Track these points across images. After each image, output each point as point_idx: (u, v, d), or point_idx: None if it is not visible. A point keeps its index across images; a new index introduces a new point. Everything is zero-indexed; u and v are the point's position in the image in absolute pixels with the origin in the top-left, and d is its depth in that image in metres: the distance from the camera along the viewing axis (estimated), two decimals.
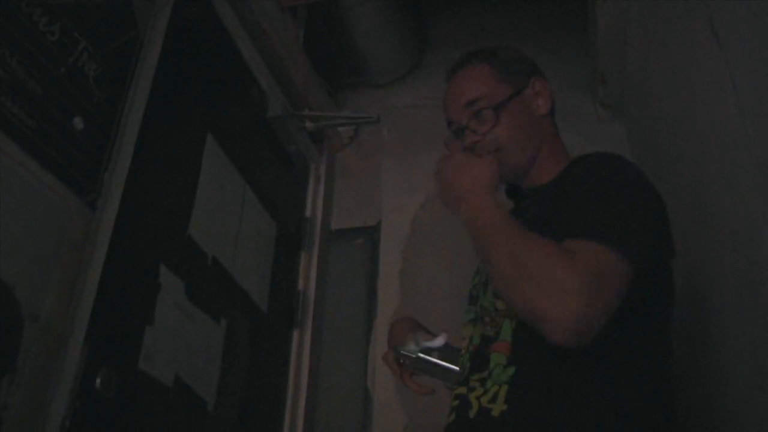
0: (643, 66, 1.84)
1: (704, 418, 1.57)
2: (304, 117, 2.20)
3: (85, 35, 1.29)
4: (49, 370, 1.10)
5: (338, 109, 2.49)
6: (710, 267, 1.39)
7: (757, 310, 1.11)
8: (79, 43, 1.27)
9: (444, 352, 1.26)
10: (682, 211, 1.58)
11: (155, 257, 1.39)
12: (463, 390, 1.09)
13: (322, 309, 2.18)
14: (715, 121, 1.26)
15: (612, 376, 0.99)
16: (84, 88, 1.27)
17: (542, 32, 2.52)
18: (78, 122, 1.24)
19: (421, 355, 1.27)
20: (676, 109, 1.56)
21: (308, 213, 2.25)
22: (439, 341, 1.27)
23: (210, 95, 1.73)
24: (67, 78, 1.23)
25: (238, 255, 1.74)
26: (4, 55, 1.09)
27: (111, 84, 1.35)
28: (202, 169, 1.61)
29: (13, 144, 1.08)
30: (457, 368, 1.19)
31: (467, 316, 1.22)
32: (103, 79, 1.33)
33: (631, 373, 1.00)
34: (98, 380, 1.16)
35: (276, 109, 2.04)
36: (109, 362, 1.19)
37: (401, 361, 1.31)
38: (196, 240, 1.54)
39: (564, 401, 0.97)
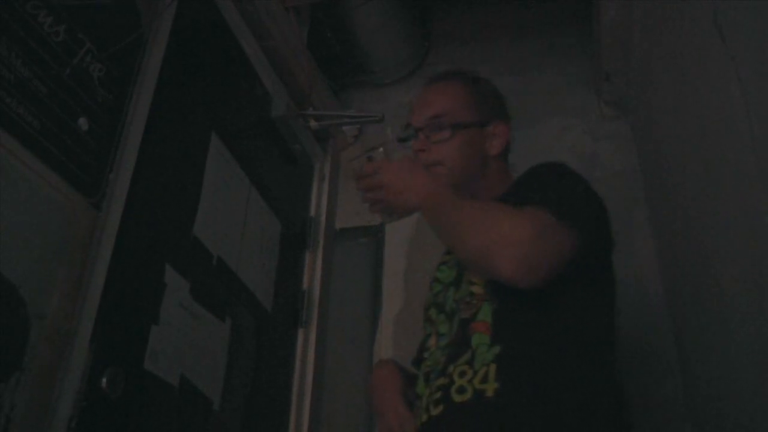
0: (648, 62, 1.84)
1: (713, 413, 1.57)
2: (308, 116, 2.20)
3: (89, 36, 1.29)
4: (55, 370, 1.11)
5: (342, 109, 2.49)
6: (715, 263, 1.39)
7: (762, 307, 1.11)
8: (84, 44, 1.27)
9: None
10: (687, 207, 1.58)
11: (160, 257, 1.40)
12: (443, 381, 1.10)
13: (326, 308, 2.18)
14: (719, 117, 1.26)
15: (577, 347, 1.10)
16: (89, 88, 1.27)
17: (546, 29, 2.52)
18: (83, 123, 1.24)
19: None
20: (680, 106, 1.55)
21: (313, 212, 2.26)
22: None
23: (214, 95, 1.73)
24: (72, 78, 1.23)
25: (243, 254, 1.74)
26: (9, 56, 1.09)
27: (115, 84, 1.35)
28: (207, 168, 1.61)
29: (18, 144, 1.08)
30: None
31: (434, 328, 1.27)
32: (107, 79, 1.33)
33: (587, 346, 1.11)
34: (104, 380, 1.16)
35: (280, 108, 2.04)
36: (115, 362, 1.20)
37: None
38: (201, 240, 1.54)
39: (549, 372, 1.06)
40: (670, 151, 1.72)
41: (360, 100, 2.61)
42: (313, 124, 2.21)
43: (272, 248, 1.94)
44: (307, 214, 2.23)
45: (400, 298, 2.15)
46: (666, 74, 1.67)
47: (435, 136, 1.30)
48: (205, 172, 1.60)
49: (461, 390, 1.06)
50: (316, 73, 2.28)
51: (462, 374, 1.08)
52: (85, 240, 1.22)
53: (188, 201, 1.54)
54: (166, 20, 1.53)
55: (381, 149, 1.28)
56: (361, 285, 2.23)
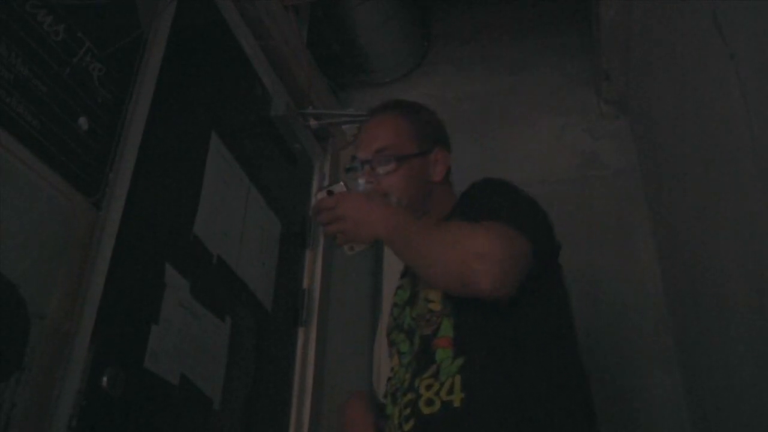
0: (647, 61, 1.84)
1: (713, 410, 1.57)
2: (308, 115, 2.20)
3: (89, 35, 1.29)
4: (56, 369, 1.11)
5: (342, 108, 2.49)
6: (715, 262, 1.39)
7: (762, 305, 1.11)
8: (84, 44, 1.27)
9: None
10: (687, 206, 1.58)
11: (160, 256, 1.40)
12: (410, 397, 1.14)
13: (327, 307, 2.18)
14: (719, 116, 1.26)
15: (538, 350, 1.13)
16: (88, 88, 1.28)
17: (545, 28, 2.53)
18: (83, 122, 1.24)
19: None
20: (680, 105, 1.55)
21: None
22: None
23: (214, 94, 1.73)
24: (72, 78, 1.23)
25: (243, 254, 1.74)
26: (9, 56, 1.09)
27: (115, 84, 1.35)
28: (207, 168, 1.61)
29: (18, 144, 1.09)
30: None
31: (397, 347, 1.29)
32: (107, 79, 1.33)
33: (548, 348, 1.14)
34: (105, 379, 1.17)
35: (280, 107, 2.04)
36: (116, 361, 1.20)
37: None
38: (201, 239, 1.54)
39: (512, 378, 1.08)
40: (670, 150, 1.72)
41: (359, 100, 2.61)
42: (312, 123, 2.22)
43: (272, 247, 1.94)
44: (306, 213, 2.23)
45: None
46: (665, 73, 1.67)
47: (380, 168, 1.34)
48: (204, 172, 1.60)
49: (429, 402, 1.10)
50: (316, 73, 2.28)
51: (428, 387, 1.11)
52: (85, 239, 1.22)
53: (188, 200, 1.54)
54: (166, 20, 1.53)
55: (341, 183, 1.28)
56: (360, 284, 2.23)
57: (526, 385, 1.08)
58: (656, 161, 1.90)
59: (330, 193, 1.26)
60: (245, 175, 1.81)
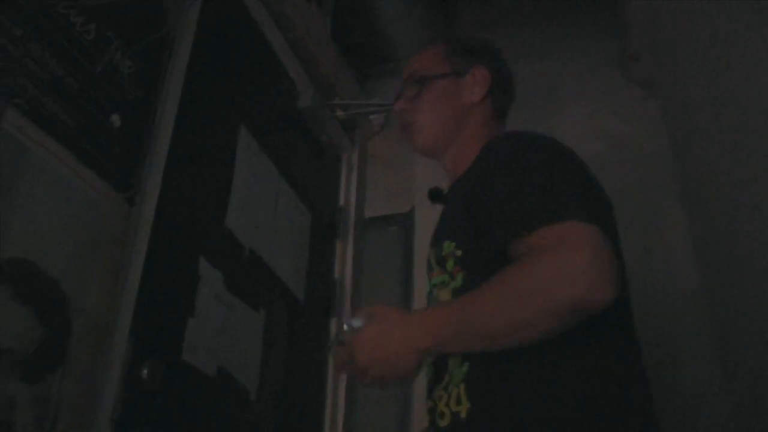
0: (677, 40, 1.81)
1: (752, 401, 1.55)
2: (335, 106, 2.21)
3: (118, 34, 1.30)
4: (97, 363, 1.13)
5: (368, 98, 2.49)
6: (754, 250, 1.36)
7: None
8: (113, 42, 1.29)
9: None
10: (725, 191, 1.55)
11: (194, 250, 1.42)
12: (429, 404, 1.07)
13: (358, 297, 2.19)
14: (754, 96, 1.23)
15: (554, 358, 0.95)
16: (119, 85, 1.29)
17: (570, 11, 2.49)
18: (115, 119, 1.26)
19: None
20: (712, 85, 1.53)
21: (342, 202, 2.27)
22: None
23: (241, 88, 1.74)
24: (103, 76, 1.25)
25: (275, 245, 1.75)
26: (43, 56, 1.11)
27: (145, 81, 1.37)
28: (237, 161, 1.62)
29: (54, 142, 1.11)
30: None
31: None
32: (137, 76, 1.34)
33: (561, 353, 0.95)
34: (144, 372, 1.18)
35: (306, 99, 2.05)
36: (154, 354, 1.22)
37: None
38: (233, 232, 1.56)
39: (519, 386, 0.95)
40: (706, 134, 1.69)
41: (383, 89, 2.60)
42: (339, 114, 2.22)
43: (303, 239, 1.95)
44: (336, 204, 2.24)
45: None
46: (696, 52, 1.64)
47: (408, 92, 1.29)
48: (234, 165, 1.61)
49: (441, 415, 1.02)
50: (341, 63, 2.28)
51: (440, 398, 1.04)
52: (120, 235, 1.24)
53: (219, 194, 1.55)
54: (192, 15, 1.54)
55: (345, 326, 1.04)
56: (391, 273, 2.23)
57: (534, 397, 0.94)
58: (690, 144, 1.87)
59: (341, 343, 1.02)
60: (274, 167, 1.82)
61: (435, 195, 1.36)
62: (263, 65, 1.91)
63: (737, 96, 1.34)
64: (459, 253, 1.10)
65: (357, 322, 1.01)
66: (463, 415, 0.98)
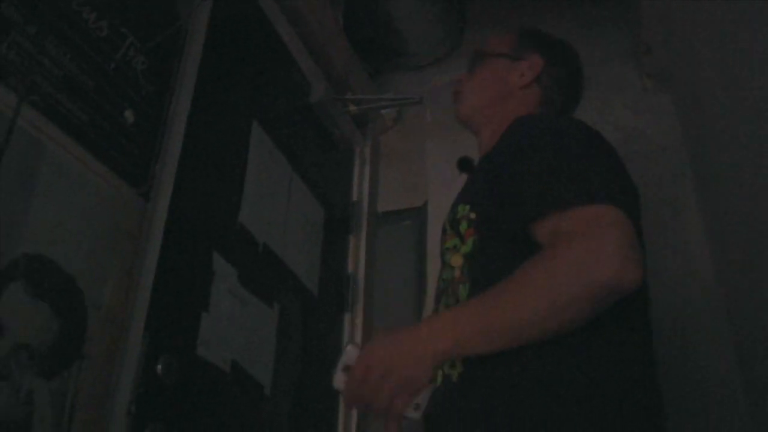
0: (691, 33, 1.80)
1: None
2: (347, 101, 2.21)
3: (131, 30, 1.31)
4: (113, 358, 1.14)
5: (380, 92, 2.49)
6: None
7: None
8: (126, 38, 1.29)
9: None
10: (733, 181, 1.54)
11: (208, 245, 1.42)
12: None
13: (372, 292, 2.19)
14: None
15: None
16: (133, 81, 1.30)
17: (585, 2, 2.48)
18: (129, 115, 1.27)
19: None
20: (726, 77, 1.51)
21: (355, 196, 2.27)
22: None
23: (254, 83, 1.74)
24: (117, 72, 1.26)
25: (288, 241, 1.76)
26: (58, 54, 1.12)
27: (158, 77, 1.38)
28: (249, 157, 1.63)
29: (69, 138, 1.12)
30: None
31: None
32: (150, 72, 1.35)
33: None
34: (159, 367, 1.19)
35: (319, 94, 2.04)
36: (169, 349, 1.23)
37: None
38: (247, 227, 1.56)
39: (513, 353, 0.92)
40: (720, 127, 1.67)
41: (397, 84, 2.60)
42: (352, 108, 2.22)
43: (316, 234, 1.95)
44: (349, 199, 2.24)
45: None
46: (710, 45, 1.62)
47: (470, 65, 1.39)
48: (247, 161, 1.62)
49: (439, 375, 1.02)
50: (353, 58, 2.28)
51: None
52: (135, 230, 1.25)
53: (232, 189, 1.56)
54: (204, 11, 1.55)
55: (348, 347, 1.01)
56: (404, 267, 2.23)
57: (527, 366, 0.93)
58: (703, 137, 1.86)
59: (347, 369, 0.99)
60: (287, 162, 1.82)
61: (464, 164, 1.43)
62: (275, 60, 1.91)
63: (752, 89, 1.33)
64: (473, 215, 1.11)
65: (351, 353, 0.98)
66: (454, 378, 0.99)
